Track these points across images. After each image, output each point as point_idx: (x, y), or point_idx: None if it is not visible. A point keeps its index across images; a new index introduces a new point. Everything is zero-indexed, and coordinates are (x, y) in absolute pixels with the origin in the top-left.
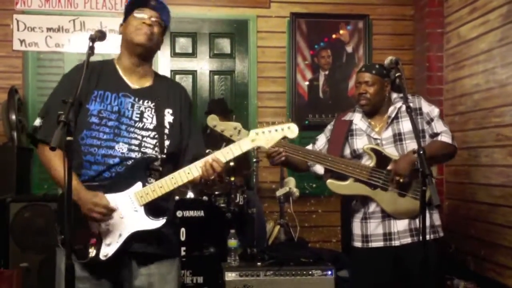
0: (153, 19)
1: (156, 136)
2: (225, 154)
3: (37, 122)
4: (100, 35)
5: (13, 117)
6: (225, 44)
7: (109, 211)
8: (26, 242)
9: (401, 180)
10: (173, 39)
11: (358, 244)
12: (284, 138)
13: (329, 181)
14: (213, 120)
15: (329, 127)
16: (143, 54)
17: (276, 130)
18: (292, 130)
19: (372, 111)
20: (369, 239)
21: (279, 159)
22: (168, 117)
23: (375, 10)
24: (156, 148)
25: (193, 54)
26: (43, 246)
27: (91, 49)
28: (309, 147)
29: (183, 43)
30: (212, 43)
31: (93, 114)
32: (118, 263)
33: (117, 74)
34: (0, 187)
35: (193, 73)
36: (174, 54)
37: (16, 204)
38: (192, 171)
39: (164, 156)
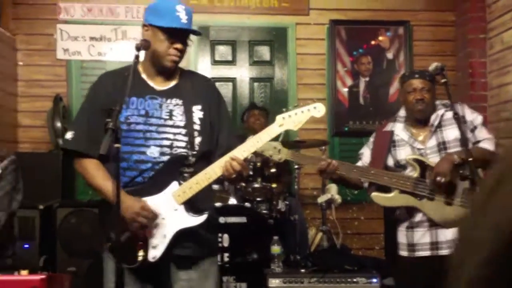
0: (184, 48)
1: (187, 133)
2: (255, 143)
3: (69, 135)
4: (145, 44)
5: (58, 124)
6: (264, 52)
7: (154, 216)
8: (72, 247)
9: (442, 180)
10: (213, 47)
11: (404, 253)
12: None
13: (373, 194)
14: None
15: (371, 139)
16: (170, 69)
17: (303, 112)
18: (318, 110)
19: (423, 119)
20: (415, 248)
21: (332, 171)
22: (198, 113)
23: (415, 16)
24: (188, 146)
25: (232, 62)
26: (90, 251)
27: (137, 58)
28: (358, 163)
29: (222, 51)
30: (252, 51)
31: (120, 121)
32: (159, 268)
33: (141, 78)
34: (47, 193)
35: (232, 80)
36: (214, 62)
37: (63, 209)
38: (223, 164)
39: (195, 153)
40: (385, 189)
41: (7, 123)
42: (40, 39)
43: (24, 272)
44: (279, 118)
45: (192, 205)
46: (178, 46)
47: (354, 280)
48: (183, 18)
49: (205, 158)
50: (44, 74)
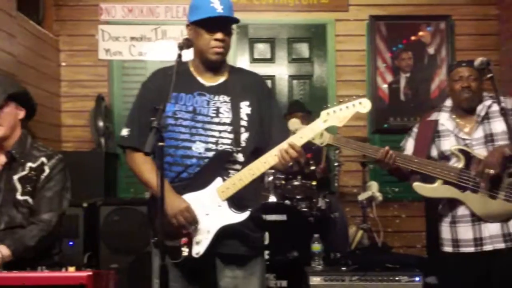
0: (225, 38)
1: (233, 130)
2: (298, 139)
3: (124, 132)
4: (187, 43)
5: (101, 124)
6: (303, 49)
7: (194, 220)
8: (115, 244)
9: (491, 172)
10: (252, 45)
11: (448, 249)
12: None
13: (415, 184)
14: (294, 124)
15: (415, 129)
16: (217, 64)
17: (347, 107)
18: (364, 105)
19: (470, 108)
20: (459, 244)
21: (391, 162)
22: (245, 109)
23: (457, 10)
24: (233, 142)
25: (271, 60)
26: (132, 248)
27: (179, 57)
28: None
29: (261, 49)
30: (290, 48)
31: (168, 116)
32: (205, 264)
33: (191, 75)
34: (90, 191)
35: (271, 78)
36: (253, 60)
37: (106, 207)
38: (268, 160)
39: (239, 149)
40: (428, 180)
41: (51, 123)
42: (82, 40)
43: (71, 269)
44: (323, 113)
45: (236, 201)
46: (218, 36)
47: (396, 278)
48: (218, 7)
49: (255, 154)
50: (86, 74)
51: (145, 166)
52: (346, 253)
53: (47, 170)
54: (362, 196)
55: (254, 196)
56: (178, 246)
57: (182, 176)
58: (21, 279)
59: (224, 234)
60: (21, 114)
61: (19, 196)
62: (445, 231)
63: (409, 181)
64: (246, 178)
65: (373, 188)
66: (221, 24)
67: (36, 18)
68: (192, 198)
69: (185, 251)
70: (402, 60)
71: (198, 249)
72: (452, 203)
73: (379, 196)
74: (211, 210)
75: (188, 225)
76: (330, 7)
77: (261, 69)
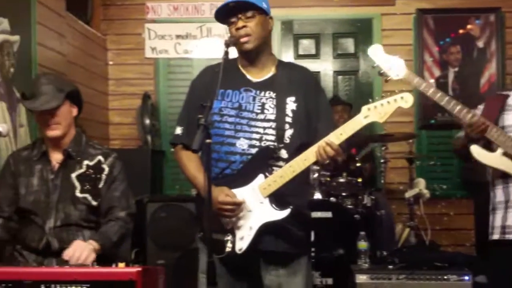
0: (246, 23)
1: (276, 126)
2: (338, 136)
3: (178, 130)
4: (233, 40)
5: (147, 121)
6: (348, 44)
7: (237, 206)
8: (162, 241)
9: None
10: (296, 41)
11: (495, 236)
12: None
13: (473, 146)
14: (375, 49)
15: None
16: (252, 54)
17: (389, 102)
18: (406, 100)
19: None
20: (505, 231)
21: (481, 129)
22: (291, 105)
23: (507, 2)
24: (276, 139)
25: (316, 55)
26: (178, 245)
27: (226, 54)
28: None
29: (306, 45)
30: (336, 44)
31: (214, 112)
32: (249, 261)
33: (238, 70)
34: (136, 188)
35: (316, 74)
36: (298, 56)
37: (153, 204)
38: (308, 157)
39: (282, 145)
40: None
41: (98, 121)
42: (129, 39)
43: (121, 265)
44: (364, 109)
45: (277, 198)
46: (237, 24)
47: (445, 277)
48: None
49: (300, 150)
50: (133, 72)
51: (191, 163)
52: (392, 251)
53: (106, 169)
54: (409, 193)
55: (297, 193)
56: (222, 241)
57: (226, 172)
58: (72, 274)
59: (267, 231)
60: (75, 111)
61: (78, 194)
62: (496, 218)
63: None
64: (287, 175)
65: (420, 185)
66: (238, 11)
67: (84, 18)
68: (235, 194)
69: (228, 246)
70: (451, 54)
71: (241, 245)
72: (507, 189)
73: (426, 193)
74: (253, 207)
75: (234, 211)
76: (376, 1)
77: (306, 65)
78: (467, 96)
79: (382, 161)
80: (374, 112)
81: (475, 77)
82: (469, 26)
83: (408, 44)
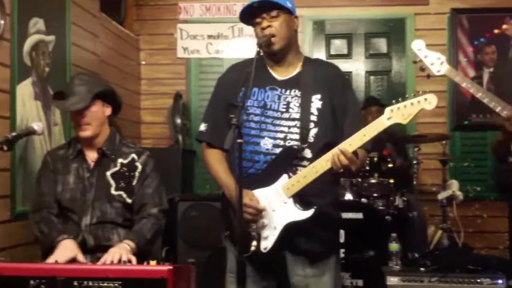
0: (271, 23)
1: (301, 126)
2: (361, 137)
3: (202, 127)
4: (266, 41)
5: (178, 120)
6: (381, 44)
7: (258, 212)
8: (192, 239)
9: None
10: (328, 41)
11: None
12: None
13: None
14: (418, 44)
15: None
16: (278, 54)
17: (412, 104)
18: (429, 101)
19: None
20: None
21: None
22: (316, 103)
23: None
24: (300, 138)
25: (348, 55)
26: (208, 244)
27: (258, 54)
28: None
29: (338, 45)
30: (368, 43)
31: None
32: (275, 260)
33: (265, 68)
34: (167, 187)
35: (348, 74)
36: (329, 56)
37: (183, 203)
38: (330, 158)
39: (306, 145)
40: None
41: (131, 120)
42: (162, 39)
43: (152, 263)
44: (387, 110)
45: (301, 198)
46: (261, 25)
47: (478, 280)
48: None
49: (326, 148)
50: (165, 72)
51: (215, 162)
52: (424, 253)
53: (139, 166)
54: (442, 195)
55: (322, 193)
56: (247, 241)
57: (250, 172)
58: (104, 271)
59: (292, 230)
60: (108, 111)
61: (113, 191)
62: None
63: None
64: (310, 175)
65: (454, 186)
66: (263, 11)
67: (117, 18)
68: (259, 194)
69: (254, 245)
70: (485, 54)
71: (266, 244)
72: None
73: (459, 195)
74: (277, 207)
75: (256, 215)
76: (409, 1)
77: (338, 65)
78: (502, 97)
79: (414, 162)
80: (397, 114)
81: (511, 78)
82: (504, 26)
83: (441, 44)
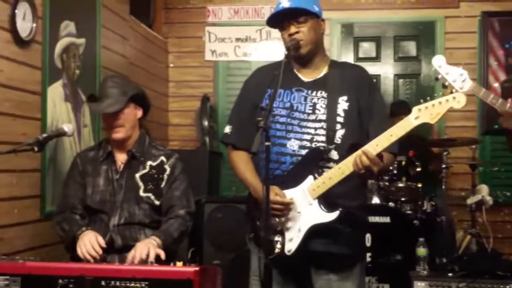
0: (299, 29)
1: (327, 127)
2: (388, 137)
3: (227, 129)
4: (294, 44)
5: (205, 123)
6: (410, 47)
7: (286, 206)
8: (218, 241)
9: None
10: (357, 44)
11: None
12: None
13: None
14: (438, 61)
15: None
16: (305, 58)
17: (440, 103)
18: (458, 100)
19: None
20: None
21: None
22: (343, 105)
23: None
24: (327, 139)
25: (377, 58)
26: (234, 246)
27: (287, 57)
28: None
29: (366, 48)
30: (397, 46)
31: None
32: (299, 263)
33: (291, 71)
34: (194, 188)
35: (376, 77)
36: (358, 59)
37: (210, 204)
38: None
39: (332, 146)
40: None
41: (158, 122)
42: (190, 42)
43: (179, 264)
44: (415, 110)
45: (326, 200)
46: (289, 31)
47: (507, 287)
48: (284, 1)
49: (353, 150)
50: (193, 75)
51: (241, 164)
52: (453, 259)
53: (168, 169)
54: (471, 200)
55: (348, 195)
56: (271, 242)
57: (276, 173)
58: (131, 271)
59: (317, 233)
60: (139, 113)
61: (141, 193)
62: None
63: None
64: (336, 176)
65: (483, 191)
66: (290, 17)
67: (146, 21)
68: (285, 194)
69: (278, 247)
70: None
71: (290, 247)
72: None
73: (489, 200)
74: (302, 209)
75: (284, 211)
76: (439, 3)
77: (366, 68)
78: None
79: (443, 166)
80: (425, 113)
81: None
82: None
83: (472, 48)
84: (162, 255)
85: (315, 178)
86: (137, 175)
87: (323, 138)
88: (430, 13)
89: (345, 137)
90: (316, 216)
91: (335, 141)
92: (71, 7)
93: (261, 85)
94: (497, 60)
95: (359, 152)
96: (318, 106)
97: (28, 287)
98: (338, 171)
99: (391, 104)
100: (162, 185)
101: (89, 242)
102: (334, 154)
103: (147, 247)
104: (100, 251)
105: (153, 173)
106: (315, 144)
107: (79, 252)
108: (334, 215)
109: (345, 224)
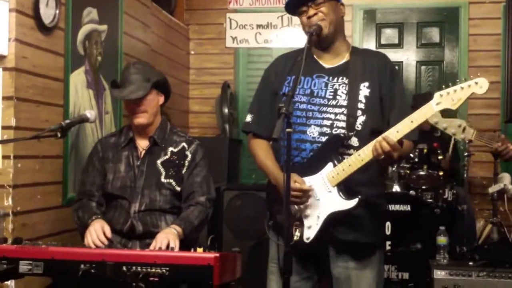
0: (318, 11)
1: (348, 113)
2: (409, 124)
3: (248, 118)
4: (316, 29)
5: (226, 110)
6: (433, 34)
7: (305, 193)
8: (237, 228)
9: None
10: (379, 30)
11: None
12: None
13: None
14: (435, 117)
15: None
16: (326, 41)
17: (462, 88)
18: (480, 85)
19: None
20: None
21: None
22: (364, 91)
23: None
24: (347, 126)
25: (399, 45)
26: (253, 233)
27: (309, 43)
28: None
29: (389, 34)
30: (420, 33)
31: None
32: (317, 250)
33: (312, 57)
34: (214, 175)
35: (398, 64)
36: (380, 45)
37: (229, 192)
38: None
39: (352, 133)
40: None
41: (179, 109)
42: (211, 29)
43: (199, 250)
44: (436, 95)
45: (346, 187)
46: (308, 13)
47: None
48: None
49: (374, 137)
50: (214, 62)
51: (261, 152)
52: (473, 248)
53: (189, 155)
54: (492, 189)
55: (367, 183)
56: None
57: (296, 160)
58: (153, 257)
59: (335, 220)
60: (161, 99)
61: (163, 179)
62: None
63: None
64: (355, 163)
65: (505, 180)
66: (307, 0)
67: (168, 8)
68: (304, 181)
69: (296, 235)
70: None
71: (309, 234)
72: None
73: (511, 188)
74: (321, 196)
75: (303, 197)
76: None
77: (388, 55)
78: None
79: (465, 154)
80: (446, 99)
81: None
82: None
83: (497, 34)
84: (177, 247)
85: (334, 165)
86: (159, 161)
87: (343, 124)
88: None
89: (366, 123)
90: (335, 203)
91: (356, 128)
92: None
93: (282, 73)
94: None
95: (379, 138)
96: (339, 92)
97: (51, 272)
98: (358, 158)
99: (413, 96)
100: (183, 171)
101: (95, 232)
102: (355, 141)
103: (167, 238)
104: (106, 241)
105: (175, 159)
106: (335, 130)
107: (85, 241)
108: (353, 202)
109: (364, 212)
